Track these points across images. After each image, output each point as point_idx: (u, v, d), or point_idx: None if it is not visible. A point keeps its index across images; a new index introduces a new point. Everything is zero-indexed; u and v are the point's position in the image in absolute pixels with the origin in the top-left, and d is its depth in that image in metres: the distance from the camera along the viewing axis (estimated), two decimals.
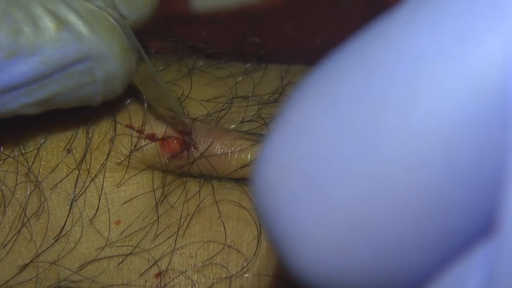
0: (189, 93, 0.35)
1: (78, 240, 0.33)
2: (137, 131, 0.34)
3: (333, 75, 0.18)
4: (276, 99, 0.36)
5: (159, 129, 0.34)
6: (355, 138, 0.17)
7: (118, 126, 0.34)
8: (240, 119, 0.35)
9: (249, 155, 0.33)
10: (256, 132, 0.34)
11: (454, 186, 0.17)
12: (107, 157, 0.34)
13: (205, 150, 0.33)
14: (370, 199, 0.17)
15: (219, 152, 0.33)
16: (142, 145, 0.34)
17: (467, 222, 0.17)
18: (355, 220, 0.17)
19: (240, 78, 0.37)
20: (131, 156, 0.34)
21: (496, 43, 0.16)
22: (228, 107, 0.35)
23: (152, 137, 0.34)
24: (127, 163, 0.34)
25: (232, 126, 0.35)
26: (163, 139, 0.34)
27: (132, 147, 0.33)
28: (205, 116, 0.35)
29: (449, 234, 0.17)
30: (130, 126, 0.34)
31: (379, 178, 0.17)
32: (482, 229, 0.17)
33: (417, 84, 0.17)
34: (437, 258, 0.18)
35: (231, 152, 0.33)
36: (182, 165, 0.33)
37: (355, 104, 0.17)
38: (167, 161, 0.33)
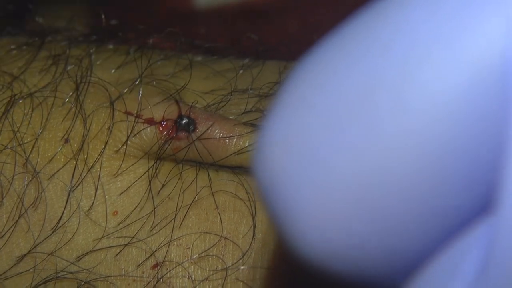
0: (186, 84, 0.35)
1: (76, 231, 0.33)
2: (136, 117, 0.34)
3: (330, 53, 0.18)
4: (275, 92, 0.36)
5: (158, 113, 0.34)
6: (352, 113, 0.17)
7: (116, 113, 0.34)
8: (239, 111, 0.35)
9: (247, 141, 0.33)
10: (256, 123, 0.34)
11: (453, 162, 0.17)
12: (105, 146, 0.34)
13: (205, 132, 0.33)
14: (368, 174, 0.17)
15: (217, 136, 0.33)
16: (140, 129, 0.34)
17: (465, 199, 0.17)
18: (355, 195, 0.17)
19: (237, 74, 0.37)
20: (130, 143, 0.34)
21: (495, 22, 0.16)
22: (227, 100, 0.35)
23: (150, 121, 0.34)
24: (125, 151, 0.34)
25: (231, 118, 0.35)
26: (161, 122, 0.34)
27: (129, 132, 0.33)
28: (204, 108, 0.35)
29: (447, 210, 0.17)
30: (128, 112, 0.34)
31: (377, 153, 0.17)
32: (481, 207, 0.17)
33: (412, 61, 0.17)
34: (436, 235, 0.18)
35: (229, 137, 0.33)
36: (180, 147, 0.33)
37: (352, 80, 0.18)
38: (165, 143, 0.33)
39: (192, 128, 0.34)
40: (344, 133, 0.17)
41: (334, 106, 0.18)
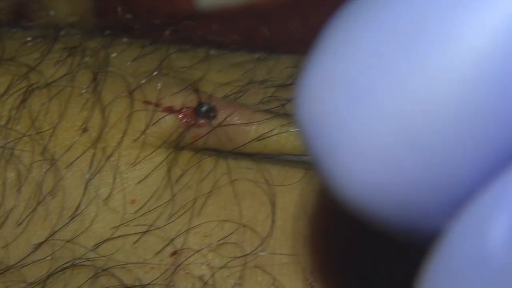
0: (204, 75, 0.36)
1: (93, 219, 0.33)
2: (155, 105, 0.34)
3: None
4: (292, 82, 0.36)
5: (177, 102, 0.34)
6: (400, 48, 0.18)
7: (135, 103, 0.34)
8: (257, 100, 0.35)
9: (267, 128, 0.34)
10: (275, 111, 0.34)
11: (502, 95, 0.17)
12: (124, 135, 0.34)
13: (224, 119, 0.34)
14: (414, 106, 0.17)
15: (237, 123, 0.34)
16: (160, 117, 0.34)
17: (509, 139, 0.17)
18: (400, 127, 0.18)
19: (253, 66, 0.38)
20: (148, 132, 0.34)
21: None
22: (246, 90, 0.36)
23: (169, 110, 0.34)
24: (143, 140, 0.34)
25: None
26: (181, 111, 0.34)
27: (149, 121, 0.34)
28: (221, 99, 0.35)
29: (493, 145, 0.17)
30: (147, 102, 0.34)
31: (424, 84, 0.17)
32: None
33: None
34: (480, 170, 0.18)
35: (249, 124, 0.34)
36: (200, 135, 0.34)
37: (401, 14, 0.18)
38: (185, 132, 0.34)
39: (212, 115, 0.34)
40: (392, 66, 0.18)
41: (381, 40, 0.18)
